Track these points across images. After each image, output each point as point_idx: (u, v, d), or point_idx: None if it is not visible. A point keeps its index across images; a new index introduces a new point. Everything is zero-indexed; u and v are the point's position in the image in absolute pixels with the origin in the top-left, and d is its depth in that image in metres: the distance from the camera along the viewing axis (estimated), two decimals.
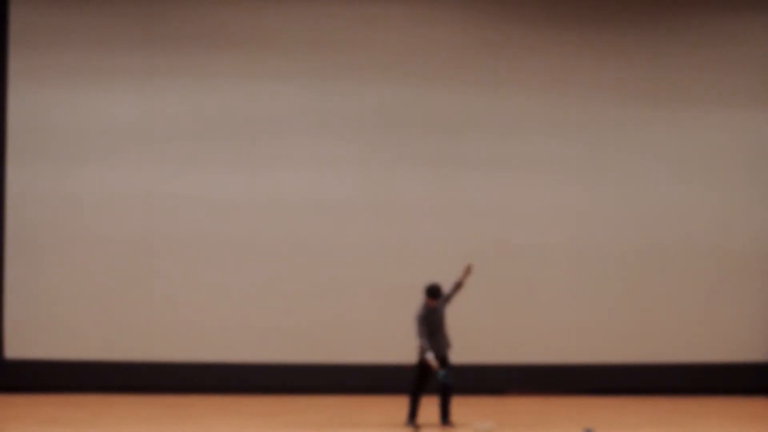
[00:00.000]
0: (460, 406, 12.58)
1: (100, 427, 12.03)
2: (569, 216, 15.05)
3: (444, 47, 15.01)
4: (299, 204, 14.81)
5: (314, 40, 14.88)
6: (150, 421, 12.38)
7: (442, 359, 12.10)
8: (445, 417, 12.12)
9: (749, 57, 15.28)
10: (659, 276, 15.11)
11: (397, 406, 13.09)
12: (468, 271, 12.37)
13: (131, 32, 14.73)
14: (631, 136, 15.19)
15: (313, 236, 14.80)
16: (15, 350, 14.56)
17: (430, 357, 11.94)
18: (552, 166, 15.07)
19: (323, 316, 14.79)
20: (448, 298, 12.31)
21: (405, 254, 14.80)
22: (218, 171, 14.76)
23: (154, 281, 14.68)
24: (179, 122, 14.78)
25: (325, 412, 13.29)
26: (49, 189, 14.64)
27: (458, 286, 12.35)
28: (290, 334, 14.73)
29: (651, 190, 15.16)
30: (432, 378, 12.02)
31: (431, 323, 12.07)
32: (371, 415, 13.00)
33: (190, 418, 12.63)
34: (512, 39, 15.07)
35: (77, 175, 14.66)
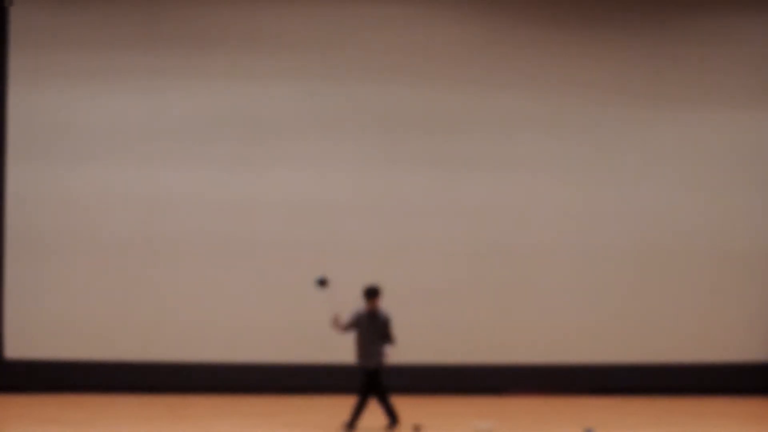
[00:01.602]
0: (460, 405, 12.58)
1: (100, 427, 12.03)
2: (569, 216, 15.05)
3: (444, 47, 15.01)
4: (299, 204, 14.81)
5: (314, 40, 14.88)
6: (150, 421, 12.37)
7: (366, 371, 11.89)
8: (351, 424, 11.96)
9: (749, 57, 15.28)
10: (659, 276, 15.11)
11: (397, 406, 13.07)
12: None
13: (131, 32, 14.73)
14: (632, 137, 15.19)
15: (312, 236, 14.80)
16: (15, 350, 14.56)
17: (337, 316, 11.88)
18: (552, 166, 15.06)
19: (323, 316, 14.77)
20: (388, 335, 11.93)
21: (405, 254, 14.79)
22: (219, 171, 14.76)
23: (154, 281, 14.68)
24: (179, 122, 14.78)
25: (325, 412, 13.29)
26: (49, 189, 14.64)
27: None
28: (290, 334, 14.73)
29: (651, 191, 15.16)
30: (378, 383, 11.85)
31: (364, 327, 11.93)
32: (371, 415, 12.98)
33: (190, 418, 12.63)
34: (512, 39, 15.07)
35: (78, 175, 14.66)
